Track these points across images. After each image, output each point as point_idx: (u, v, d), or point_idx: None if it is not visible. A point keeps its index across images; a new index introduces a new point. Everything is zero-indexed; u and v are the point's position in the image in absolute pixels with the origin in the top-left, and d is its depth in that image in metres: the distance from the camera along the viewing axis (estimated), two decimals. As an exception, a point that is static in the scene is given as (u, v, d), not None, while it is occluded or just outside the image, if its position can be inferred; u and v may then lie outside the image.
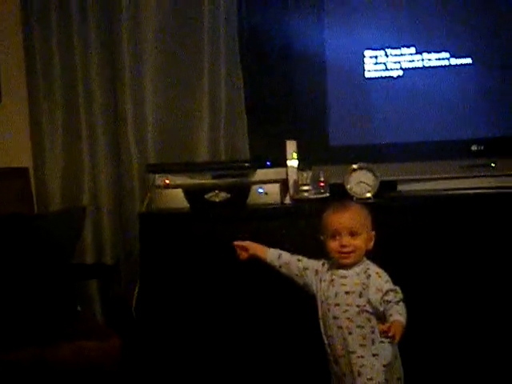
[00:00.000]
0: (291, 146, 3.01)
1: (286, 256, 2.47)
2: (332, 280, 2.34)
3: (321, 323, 2.36)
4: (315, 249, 2.43)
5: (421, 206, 2.84)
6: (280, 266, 2.46)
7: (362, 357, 2.26)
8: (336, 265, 2.35)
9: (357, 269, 2.32)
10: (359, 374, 2.26)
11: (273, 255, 2.47)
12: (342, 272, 2.33)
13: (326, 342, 2.34)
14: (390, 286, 2.26)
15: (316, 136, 3.11)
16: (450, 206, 2.82)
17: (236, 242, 2.51)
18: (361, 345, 2.26)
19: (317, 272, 2.40)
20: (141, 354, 2.83)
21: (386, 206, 2.81)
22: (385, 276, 2.30)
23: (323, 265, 2.40)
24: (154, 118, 3.39)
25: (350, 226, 2.31)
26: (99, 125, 3.37)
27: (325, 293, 2.34)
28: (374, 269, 2.32)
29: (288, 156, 3.01)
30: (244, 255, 2.50)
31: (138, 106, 3.37)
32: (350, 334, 2.27)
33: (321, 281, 2.37)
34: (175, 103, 3.40)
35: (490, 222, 2.76)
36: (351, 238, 2.30)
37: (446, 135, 3.03)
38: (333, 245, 2.33)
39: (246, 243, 2.50)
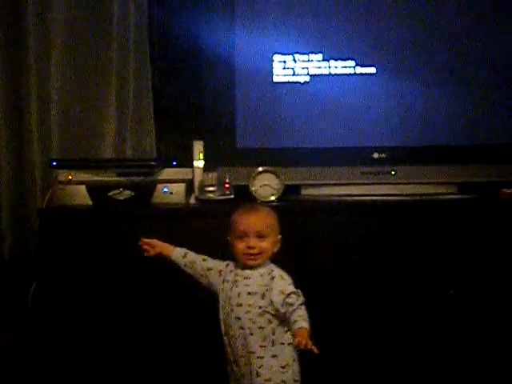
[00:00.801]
0: (198, 147, 3.01)
1: (191, 255, 2.48)
2: (236, 280, 2.36)
3: (222, 324, 2.37)
4: (218, 250, 2.45)
5: (323, 211, 2.89)
6: (185, 265, 2.47)
7: (262, 357, 2.28)
8: (241, 266, 2.37)
9: (261, 270, 2.35)
10: (258, 375, 2.28)
11: (178, 254, 2.48)
12: (246, 273, 2.35)
13: (226, 342, 2.36)
14: (292, 288, 2.29)
15: (223, 138, 3.12)
16: (350, 211, 2.89)
17: (142, 239, 2.51)
18: (261, 346, 2.29)
19: (220, 273, 2.42)
20: (35, 350, 2.77)
21: (289, 210, 2.84)
22: (288, 279, 2.33)
23: (227, 265, 2.42)
24: (59, 113, 3.31)
25: (258, 229, 2.34)
26: (-1, 118, 3.28)
27: (227, 293, 2.36)
28: (277, 271, 2.35)
29: (194, 156, 3.01)
30: (150, 252, 2.51)
31: (43, 101, 3.28)
32: (251, 334, 2.29)
33: (224, 281, 2.39)
34: (81, 99, 3.33)
35: (388, 228, 2.84)
36: (258, 240, 2.33)
37: (349, 142, 3.10)
38: (240, 246, 2.35)
39: (152, 241, 2.51)
